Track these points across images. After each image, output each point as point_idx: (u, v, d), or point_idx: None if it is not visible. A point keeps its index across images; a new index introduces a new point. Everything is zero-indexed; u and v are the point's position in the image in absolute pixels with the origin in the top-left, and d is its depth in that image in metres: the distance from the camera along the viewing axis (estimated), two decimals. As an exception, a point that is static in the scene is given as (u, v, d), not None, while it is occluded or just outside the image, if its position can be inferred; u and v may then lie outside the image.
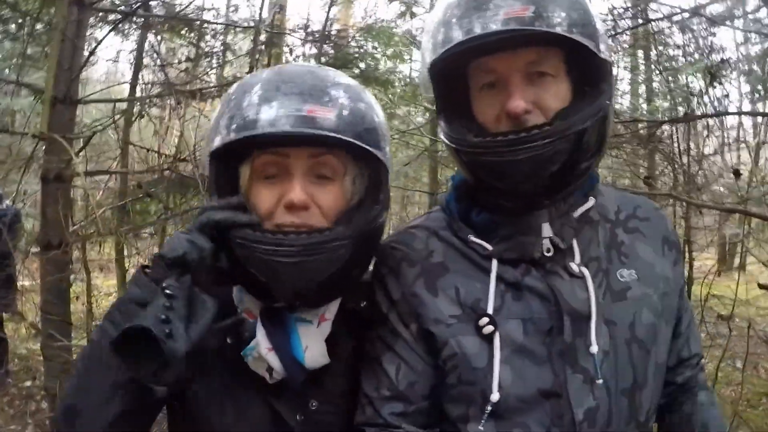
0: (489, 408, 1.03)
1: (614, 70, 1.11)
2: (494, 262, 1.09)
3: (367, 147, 1.05)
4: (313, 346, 1.10)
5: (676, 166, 4.27)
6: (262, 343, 1.08)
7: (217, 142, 1.04)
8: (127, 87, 5.83)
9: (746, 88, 5.80)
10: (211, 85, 5.48)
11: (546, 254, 1.07)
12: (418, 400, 1.11)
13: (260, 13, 5.61)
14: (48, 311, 4.26)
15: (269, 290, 1.05)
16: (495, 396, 1.02)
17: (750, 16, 3.76)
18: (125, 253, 5.05)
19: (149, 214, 4.81)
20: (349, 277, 1.11)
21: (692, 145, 4.55)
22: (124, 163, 4.93)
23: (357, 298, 1.20)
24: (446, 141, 1.12)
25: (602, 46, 1.02)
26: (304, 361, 1.09)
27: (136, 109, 5.32)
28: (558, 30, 0.97)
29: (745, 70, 4.85)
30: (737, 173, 4.09)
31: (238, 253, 1.03)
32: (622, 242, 1.15)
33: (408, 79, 7.52)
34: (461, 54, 1.03)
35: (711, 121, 4.74)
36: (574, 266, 1.07)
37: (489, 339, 1.05)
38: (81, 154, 4.52)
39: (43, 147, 4.31)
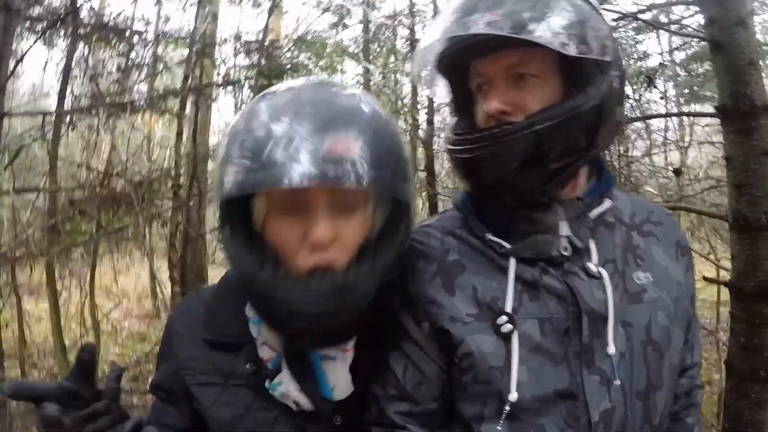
0: (507, 408, 1.01)
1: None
2: (512, 261, 1.08)
3: (394, 193, 1.01)
4: (339, 381, 1.09)
5: (611, 168, 4.40)
6: (290, 384, 1.06)
7: (232, 188, 0.94)
8: (54, 99, 5.59)
9: (673, 91, 6.08)
10: (142, 97, 5.32)
11: (563, 253, 1.07)
12: (424, 401, 1.10)
13: (195, 24, 5.49)
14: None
15: (288, 329, 1.04)
16: (513, 395, 1.00)
17: (674, 25, 3.92)
18: (57, 275, 4.82)
19: (80, 232, 4.62)
20: (371, 312, 1.08)
21: (621, 149, 4.71)
22: (53, 180, 4.71)
23: (372, 318, 1.16)
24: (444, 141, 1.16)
25: (584, 47, 1.00)
26: (333, 398, 1.08)
27: (64, 123, 5.11)
28: (513, 34, 0.97)
29: (672, 75, 5.07)
30: (678, 172, 4.26)
31: (257, 291, 1.01)
32: (638, 245, 1.15)
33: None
34: (453, 55, 1.09)
35: (639, 124, 4.91)
36: (592, 266, 1.07)
37: (506, 338, 1.03)
38: (7, 170, 4.30)
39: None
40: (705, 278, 3.30)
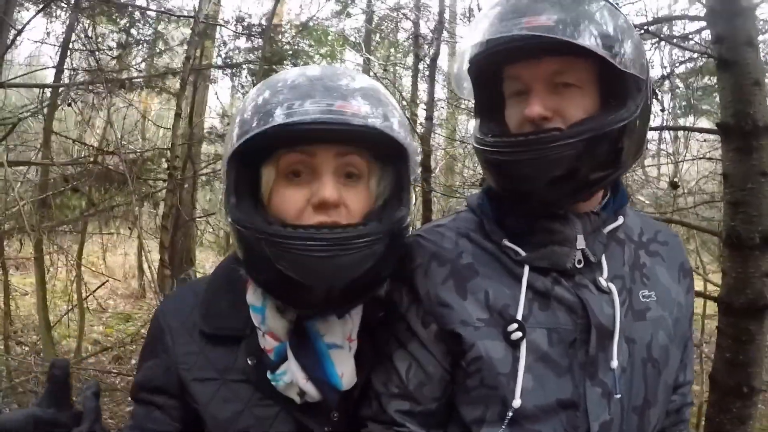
0: (510, 414, 1.02)
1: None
2: (526, 269, 1.09)
3: (399, 140, 1.03)
4: (347, 370, 1.08)
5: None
6: (297, 372, 1.05)
7: (242, 137, 0.98)
8: (51, 72, 5.51)
9: (670, 103, 6.11)
10: (142, 74, 5.26)
11: (577, 266, 1.08)
12: (426, 401, 1.11)
13: (199, 3, 5.43)
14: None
15: (298, 292, 1.01)
16: (517, 402, 1.02)
17: (680, 40, 3.93)
18: (44, 250, 4.78)
19: (71, 208, 4.57)
20: (378, 278, 1.07)
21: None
22: (47, 154, 4.66)
23: (376, 310, 1.17)
24: (472, 142, 1.15)
25: (628, 62, 1.01)
26: (341, 387, 1.07)
27: (61, 97, 5.05)
28: (569, 39, 0.97)
29: (671, 87, 5.09)
30: (675, 185, 4.28)
31: (269, 252, 0.98)
32: (644, 264, 1.17)
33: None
34: (489, 59, 1.08)
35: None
36: (602, 281, 1.08)
37: (515, 345, 1.04)
38: (2, 143, 4.25)
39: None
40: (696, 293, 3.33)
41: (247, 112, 1.01)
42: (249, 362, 1.10)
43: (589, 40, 0.98)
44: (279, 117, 0.96)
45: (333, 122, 0.96)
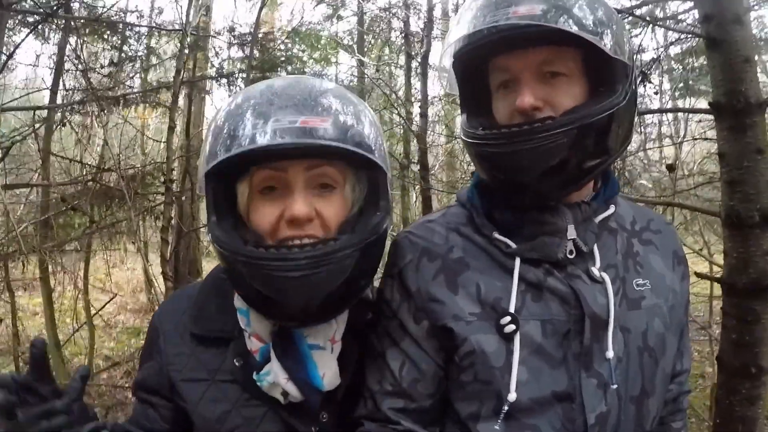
0: (506, 408, 1.02)
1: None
2: (517, 261, 1.08)
3: (366, 154, 1.02)
4: (329, 371, 1.09)
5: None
6: (279, 373, 1.07)
7: (213, 161, 0.99)
8: (47, 94, 5.54)
9: (667, 85, 6.08)
10: (135, 90, 5.28)
11: (568, 256, 1.08)
12: (420, 398, 1.11)
13: (187, 16, 5.44)
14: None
15: (276, 307, 1.03)
16: (512, 396, 1.01)
17: (670, 21, 3.91)
18: (50, 270, 4.81)
19: (73, 227, 4.60)
20: (356, 288, 1.08)
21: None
22: (45, 175, 4.68)
23: (363, 312, 1.18)
24: (461, 136, 1.14)
25: (616, 48, 1.01)
26: (322, 388, 1.08)
27: (57, 117, 5.07)
28: (560, 26, 0.97)
29: (666, 69, 5.06)
30: (671, 168, 4.25)
31: (242, 270, 1.00)
32: (638, 252, 1.16)
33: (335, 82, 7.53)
34: (475, 51, 1.07)
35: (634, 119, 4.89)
36: (595, 271, 1.08)
37: (508, 338, 1.04)
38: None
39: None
40: (697, 274, 3.30)
41: (214, 134, 1.01)
42: (236, 363, 1.12)
43: (578, 27, 0.98)
44: (244, 139, 0.96)
45: (299, 144, 0.96)
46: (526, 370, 1.03)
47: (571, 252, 1.08)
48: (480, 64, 1.12)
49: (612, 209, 1.14)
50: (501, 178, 1.08)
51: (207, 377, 1.13)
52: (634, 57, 1.10)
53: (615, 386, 1.04)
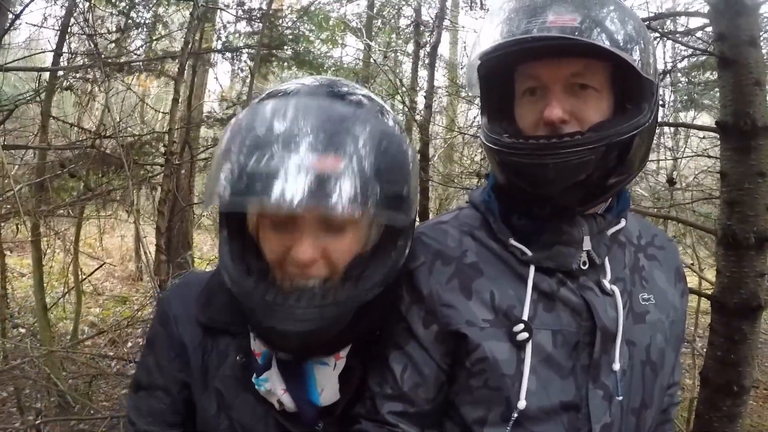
0: (515, 415, 1.03)
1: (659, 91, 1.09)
2: (532, 269, 1.08)
3: (392, 223, 0.98)
4: (328, 386, 1.08)
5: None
6: (276, 382, 1.06)
7: (221, 203, 0.92)
8: (50, 55, 5.46)
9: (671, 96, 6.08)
10: (141, 58, 5.23)
11: (582, 267, 1.09)
12: (420, 402, 1.10)
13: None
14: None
15: (279, 342, 1.02)
16: (522, 404, 1.02)
17: (682, 36, 3.90)
18: (41, 231, 4.78)
19: (67, 191, 4.56)
20: (359, 328, 1.06)
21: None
22: (44, 138, 4.63)
23: (373, 328, 1.14)
24: (483, 139, 1.13)
25: (648, 66, 1.01)
26: (318, 403, 1.07)
27: (59, 81, 5.01)
28: (598, 42, 0.96)
29: (672, 81, 5.07)
30: (671, 182, 4.27)
31: (247, 305, 1.00)
32: (643, 267, 1.18)
33: (339, 64, 7.49)
34: (505, 56, 1.04)
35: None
36: (606, 283, 1.09)
37: (520, 346, 1.04)
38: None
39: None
40: (690, 290, 3.34)
41: (228, 169, 0.89)
42: (238, 359, 1.11)
43: (612, 43, 0.97)
44: (250, 199, 0.88)
45: (309, 210, 0.89)
46: (536, 379, 1.04)
47: (584, 263, 1.09)
48: (507, 69, 1.11)
49: (623, 223, 1.15)
50: (523, 189, 1.08)
51: (211, 368, 1.13)
52: (657, 74, 1.10)
53: (620, 398, 1.06)
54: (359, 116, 0.94)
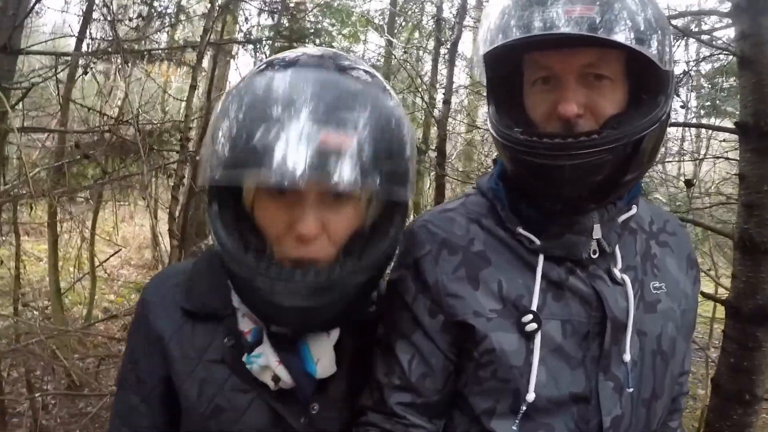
0: (524, 407, 1.01)
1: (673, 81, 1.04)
2: (541, 258, 1.06)
3: (394, 198, 0.97)
4: (324, 357, 1.06)
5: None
6: (270, 356, 1.04)
7: (213, 175, 0.89)
8: (72, 41, 5.52)
9: (694, 102, 5.98)
10: (161, 46, 5.26)
11: (592, 256, 1.06)
12: (428, 392, 1.09)
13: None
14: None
15: (275, 316, 1.01)
16: (531, 396, 1.00)
17: (705, 35, 3.83)
18: (58, 216, 4.83)
19: (85, 177, 4.61)
20: (355, 307, 1.07)
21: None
22: (63, 122, 4.69)
23: (365, 306, 1.15)
24: (493, 132, 1.08)
25: (664, 56, 0.97)
26: (315, 374, 1.05)
27: (80, 65, 5.06)
28: (620, 38, 0.91)
29: (695, 86, 4.98)
30: (689, 183, 4.19)
31: (243, 280, 0.98)
32: (655, 254, 1.14)
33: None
34: (516, 46, 0.99)
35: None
36: (617, 272, 1.07)
37: (529, 337, 1.02)
38: (17, 108, 4.27)
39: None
40: (702, 294, 3.27)
41: (226, 143, 0.88)
42: (226, 342, 1.08)
43: (633, 34, 0.92)
44: (250, 172, 0.86)
45: (320, 183, 0.87)
46: (546, 370, 1.02)
47: (594, 252, 1.07)
48: (515, 57, 1.06)
49: (634, 210, 1.12)
50: (537, 185, 1.04)
51: (194, 355, 1.09)
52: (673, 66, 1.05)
53: (630, 389, 1.03)
54: (367, 92, 0.95)
